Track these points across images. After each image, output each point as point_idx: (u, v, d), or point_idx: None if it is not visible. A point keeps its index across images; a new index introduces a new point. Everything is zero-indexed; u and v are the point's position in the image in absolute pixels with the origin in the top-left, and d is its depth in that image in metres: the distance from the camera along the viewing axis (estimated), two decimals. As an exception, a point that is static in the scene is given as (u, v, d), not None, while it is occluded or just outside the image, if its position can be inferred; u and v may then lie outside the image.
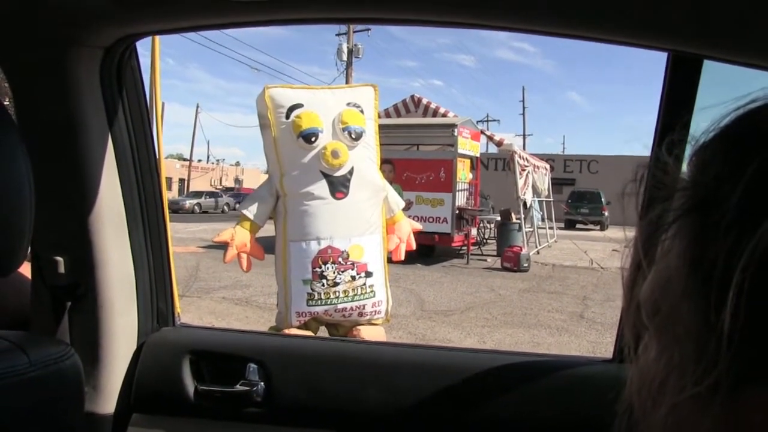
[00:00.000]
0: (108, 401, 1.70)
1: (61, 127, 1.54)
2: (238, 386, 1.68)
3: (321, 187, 4.69)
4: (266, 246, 5.14)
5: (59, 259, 1.61)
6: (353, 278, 4.77)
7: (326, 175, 4.69)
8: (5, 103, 1.51)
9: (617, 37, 1.15)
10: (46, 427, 1.22)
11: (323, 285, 4.71)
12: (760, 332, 0.41)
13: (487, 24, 1.26)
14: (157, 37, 3.09)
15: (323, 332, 5.12)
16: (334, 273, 4.72)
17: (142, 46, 1.95)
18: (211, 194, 44.67)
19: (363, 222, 4.85)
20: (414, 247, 5.51)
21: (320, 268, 4.71)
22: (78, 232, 1.61)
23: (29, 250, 1.61)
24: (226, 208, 42.13)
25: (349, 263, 4.75)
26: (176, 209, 36.16)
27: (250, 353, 1.73)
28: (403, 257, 5.38)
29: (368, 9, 1.43)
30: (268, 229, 5.05)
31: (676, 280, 0.47)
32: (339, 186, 4.71)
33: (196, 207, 40.17)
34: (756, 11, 1.01)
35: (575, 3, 1.15)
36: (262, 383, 1.68)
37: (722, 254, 0.42)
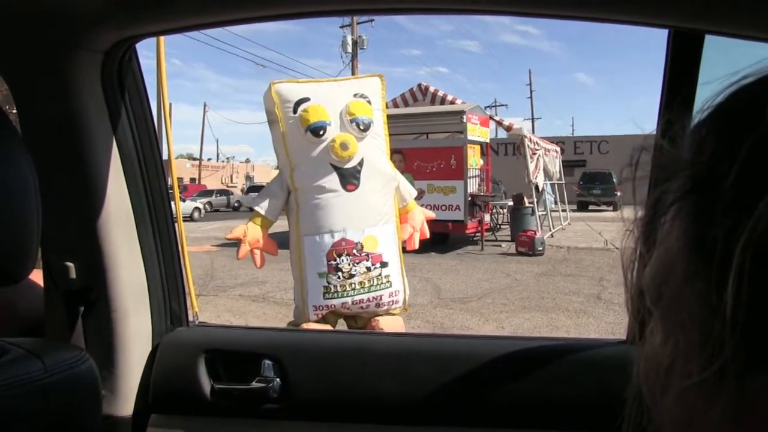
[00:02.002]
0: (126, 403, 1.71)
1: (65, 132, 1.54)
2: (254, 383, 1.68)
3: (332, 180, 4.68)
4: (281, 241, 5.15)
5: (70, 264, 1.61)
6: (368, 269, 4.77)
7: (336, 168, 4.67)
8: (12, 111, 1.52)
9: (614, 15, 1.14)
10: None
11: (339, 277, 4.71)
12: (763, 315, 0.40)
13: (478, 8, 1.25)
14: (162, 38, 3.09)
15: (341, 325, 5.12)
16: (349, 265, 4.71)
17: (148, 48, 1.96)
18: (221, 192, 44.57)
19: (375, 213, 4.84)
20: (428, 235, 5.49)
21: (335, 260, 4.70)
22: (87, 236, 1.61)
23: (39, 257, 1.62)
24: (236, 204, 42.16)
25: (363, 254, 4.75)
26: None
27: (265, 350, 1.73)
28: (417, 246, 5.36)
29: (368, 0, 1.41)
30: (283, 225, 5.05)
31: (678, 264, 0.47)
32: (350, 178, 4.70)
33: (206, 206, 40.04)
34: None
35: None
36: (278, 379, 1.68)
37: (722, 235, 0.42)
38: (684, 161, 0.49)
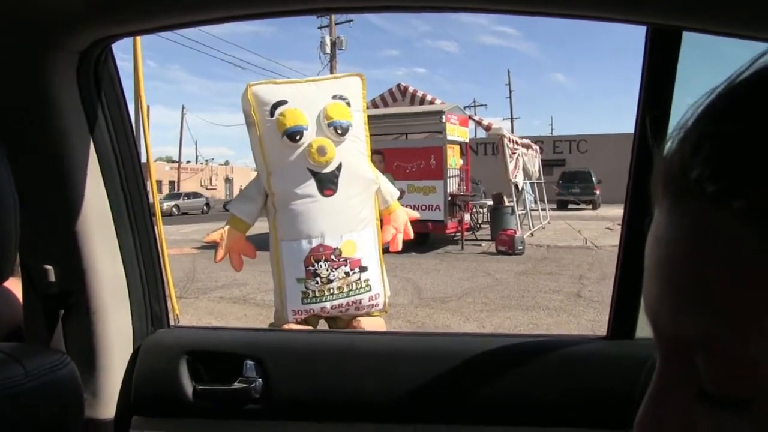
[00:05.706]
0: (107, 406, 1.70)
1: (42, 134, 1.52)
2: (236, 384, 1.68)
3: (309, 186, 4.62)
4: (262, 243, 5.11)
5: (49, 267, 1.59)
6: (347, 274, 4.73)
7: (314, 173, 4.61)
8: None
9: (591, 12, 1.14)
10: None
11: (317, 283, 4.67)
12: None
13: (454, 6, 1.25)
14: (138, 39, 3.07)
15: (323, 325, 5.11)
16: (327, 270, 4.66)
17: (123, 50, 1.94)
18: (191, 195, 44.24)
19: (353, 218, 4.79)
20: (412, 236, 5.44)
21: (313, 266, 4.65)
22: (66, 239, 1.59)
23: (18, 261, 1.60)
24: (205, 208, 41.89)
25: (342, 260, 4.70)
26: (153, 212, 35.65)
27: (247, 350, 1.72)
28: (400, 247, 5.31)
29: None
30: (263, 227, 5.02)
31: None
32: (327, 183, 4.63)
33: (174, 209, 39.66)
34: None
35: None
36: (260, 379, 1.68)
37: None
38: None
